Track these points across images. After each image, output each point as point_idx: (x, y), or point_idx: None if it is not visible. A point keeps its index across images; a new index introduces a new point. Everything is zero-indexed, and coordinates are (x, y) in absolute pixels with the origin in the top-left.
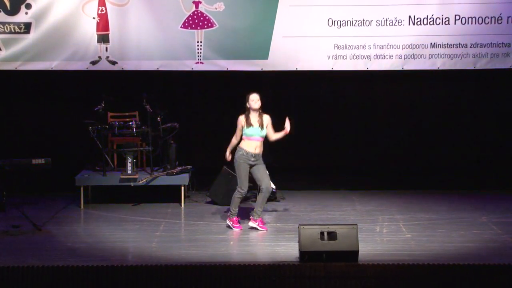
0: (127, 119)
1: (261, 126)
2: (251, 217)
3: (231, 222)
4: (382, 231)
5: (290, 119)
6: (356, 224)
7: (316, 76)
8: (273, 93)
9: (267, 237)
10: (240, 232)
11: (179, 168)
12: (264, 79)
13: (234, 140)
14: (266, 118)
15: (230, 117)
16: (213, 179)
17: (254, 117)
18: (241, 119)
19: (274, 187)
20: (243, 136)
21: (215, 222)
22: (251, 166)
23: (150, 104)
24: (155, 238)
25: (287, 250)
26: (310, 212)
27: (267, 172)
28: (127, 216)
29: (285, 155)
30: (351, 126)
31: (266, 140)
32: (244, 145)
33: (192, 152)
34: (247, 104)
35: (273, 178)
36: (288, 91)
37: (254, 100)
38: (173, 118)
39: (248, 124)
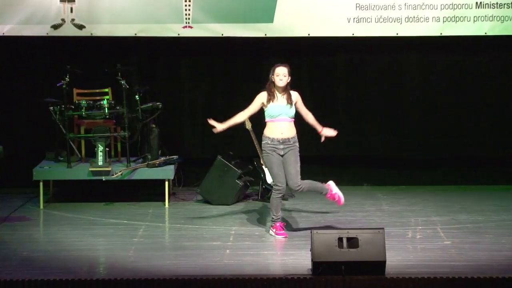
0: (98, 98)
1: (289, 102)
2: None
3: (274, 230)
4: (415, 237)
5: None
6: (382, 228)
7: (332, 44)
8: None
9: (272, 245)
10: (239, 239)
11: (162, 159)
12: (268, 48)
13: (240, 115)
14: (295, 95)
15: (225, 95)
16: (205, 172)
17: (279, 93)
18: (262, 95)
19: None
20: (266, 119)
21: (208, 225)
22: (282, 155)
23: (127, 79)
24: (133, 245)
25: (297, 260)
26: (325, 213)
27: (298, 164)
28: (98, 218)
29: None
30: (375, 107)
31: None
32: (268, 130)
33: (179, 139)
34: (271, 77)
35: None
36: (298, 63)
37: (280, 75)
38: (155, 96)
39: (272, 100)
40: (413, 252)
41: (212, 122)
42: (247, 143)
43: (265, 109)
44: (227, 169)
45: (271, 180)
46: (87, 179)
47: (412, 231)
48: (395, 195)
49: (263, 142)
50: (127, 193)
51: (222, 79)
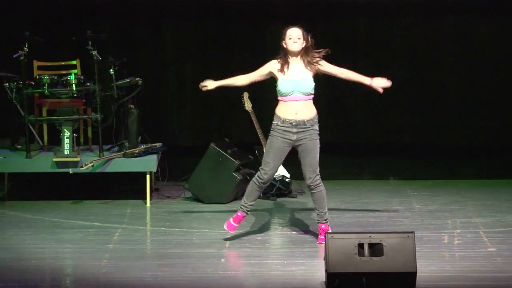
0: (63, 72)
1: (305, 75)
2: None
3: (231, 218)
4: (453, 242)
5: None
6: (412, 232)
7: (352, 6)
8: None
9: (277, 252)
10: (238, 245)
11: (143, 147)
12: (272, 11)
13: (241, 77)
14: (316, 60)
15: (219, 69)
16: (195, 163)
17: (293, 63)
18: (273, 63)
19: (288, 175)
20: (278, 97)
21: (198, 229)
22: (294, 143)
23: (99, 49)
24: (107, 252)
25: (308, 271)
26: (342, 213)
27: (314, 155)
28: (64, 220)
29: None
30: (404, 84)
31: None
32: (280, 109)
33: (163, 122)
34: (283, 44)
35: (285, 162)
36: (310, 29)
37: (293, 38)
38: (133, 70)
39: (284, 72)
40: (450, 261)
41: (205, 82)
42: (246, 128)
43: (277, 83)
44: (222, 160)
45: (279, 172)
46: (51, 171)
47: (449, 235)
48: (428, 191)
49: (273, 122)
50: (99, 189)
51: (215, 49)
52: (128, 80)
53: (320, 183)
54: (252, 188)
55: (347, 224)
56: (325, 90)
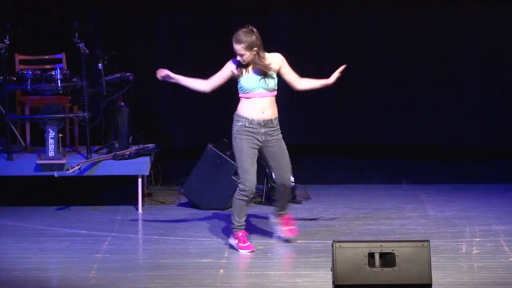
0: (48, 67)
1: (265, 72)
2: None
3: (236, 240)
4: (471, 252)
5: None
6: (427, 241)
7: None
8: (289, 20)
9: (280, 262)
10: (238, 255)
11: (134, 148)
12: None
13: (199, 82)
14: (276, 58)
15: (217, 62)
16: (191, 166)
17: (253, 62)
18: (232, 63)
19: (292, 180)
20: (240, 94)
21: (195, 237)
22: (261, 145)
23: (86, 42)
24: (95, 263)
25: (314, 283)
26: (351, 220)
27: (287, 153)
28: (48, 228)
29: (311, 124)
30: (417, 81)
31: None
32: (243, 108)
33: (156, 122)
34: None
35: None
36: (315, 19)
37: (237, 53)
38: (124, 64)
39: (246, 68)
40: (468, 272)
41: (160, 71)
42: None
43: (238, 81)
44: (221, 162)
45: None
46: (34, 175)
47: (467, 244)
48: (445, 196)
49: (236, 124)
50: (87, 194)
51: (212, 40)
52: (118, 76)
53: (292, 181)
54: (239, 205)
55: (356, 232)
56: (333, 86)
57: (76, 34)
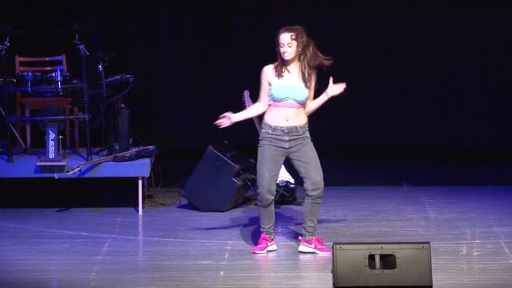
0: (48, 68)
1: (303, 81)
2: (300, 237)
3: (259, 243)
4: (472, 254)
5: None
6: (428, 243)
7: None
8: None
9: (281, 265)
10: (238, 257)
11: (134, 150)
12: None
13: (254, 108)
14: (315, 73)
15: (218, 64)
16: (192, 167)
17: (290, 67)
18: (265, 71)
19: (292, 181)
20: (270, 101)
21: (195, 239)
22: (287, 152)
23: (87, 43)
24: (95, 265)
25: (315, 285)
26: (351, 222)
27: (317, 159)
28: (49, 230)
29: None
30: (418, 82)
31: None
32: (269, 116)
33: (157, 123)
34: (277, 50)
35: (289, 167)
36: (316, 21)
37: (284, 46)
38: (124, 66)
39: (279, 77)
40: (468, 274)
41: (224, 119)
42: (247, 129)
43: (270, 87)
44: (221, 164)
45: (282, 178)
46: (34, 177)
47: (468, 246)
48: (445, 198)
49: (262, 131)
50: (87, 195)
51: (213, 42)
52: (118, 77)
53: (321, 189)
54: (259, 210)
55: (357, 234)
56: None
57: (76, 35)
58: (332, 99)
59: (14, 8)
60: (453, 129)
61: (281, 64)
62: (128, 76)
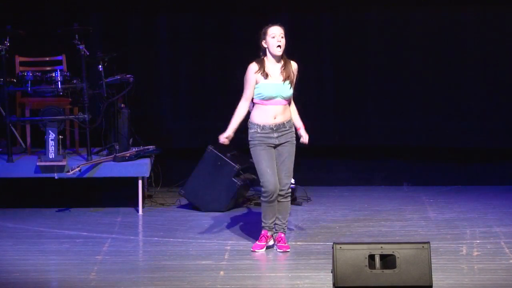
0: (48, 68)
1: (287, 79)
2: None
3: (259, 240)
4: (472, 254)
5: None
6: (428, 242)
7: None
8: (289, 21)
9: (281, 264)
10: (238, 257)
11: (134, 150)
12: (276, 0)
13: (241, 109)
14: (295, 66)
15: (218, 64)
16: (192, 167)
17: (274, 64)
18: (253, 68)
19: (293, 181)
20: (255, 99)
21: (195, 239)
22: (277, 144)
23: (86, 43)
24: (95, 265)
25: (315, 285)
26: (351, 222)
27: (293, 160)
28: (48, 230)
29: (311, 127)
30: (419, 81)
31: None
32: (256, 115)
33: (157, 123)
34: (263, 44)
35: None
36: (316, 21)
37: (276, 36)
38: (124, 66)
39: (265, 76)
40: (468, 274)
41: (223, 138)
42: (247, 129)
43: (256, 86)
44: (221, 164)
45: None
46: (34, 176)
47: (468, 246)
48: (445, 198)
49: (251, 131)
50: (87, 195)
51: (213, 42)
52: (118, 77)
53: (289, 190)
54: (264, 206)
55: (357, 234)
56: (333, 88)
57: (76, 35)
58: (332, 99)
59: (14, 8)
60: (453, 129)
61: (263, 62)
62: (128, 76)
